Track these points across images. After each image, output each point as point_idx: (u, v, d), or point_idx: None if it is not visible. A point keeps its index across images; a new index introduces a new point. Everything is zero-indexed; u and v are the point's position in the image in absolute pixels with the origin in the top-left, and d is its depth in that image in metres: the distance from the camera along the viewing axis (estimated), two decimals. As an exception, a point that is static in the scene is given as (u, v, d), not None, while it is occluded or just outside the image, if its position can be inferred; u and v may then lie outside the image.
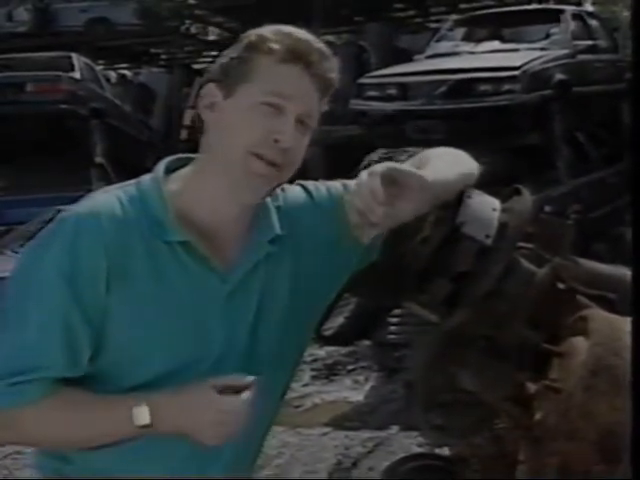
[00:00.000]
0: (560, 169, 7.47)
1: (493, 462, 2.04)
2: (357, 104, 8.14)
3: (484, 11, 11.89)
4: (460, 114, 7.29)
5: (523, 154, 7.11)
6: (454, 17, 11.25)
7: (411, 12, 17.29)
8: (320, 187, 1.60)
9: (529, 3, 12.97)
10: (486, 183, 1.65)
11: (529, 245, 1.71)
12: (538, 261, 1.69)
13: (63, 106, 11.72)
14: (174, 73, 16.90)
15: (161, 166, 1.49)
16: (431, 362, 1.70)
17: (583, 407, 1.49)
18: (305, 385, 6.13)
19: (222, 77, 1.44)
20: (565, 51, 8.38)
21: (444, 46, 8.96)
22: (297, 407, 5.68)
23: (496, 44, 8.69)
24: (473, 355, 1.67)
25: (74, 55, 12.81)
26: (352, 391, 6.06)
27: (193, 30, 19.32)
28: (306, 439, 5.11)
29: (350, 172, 1.72)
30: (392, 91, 7.87)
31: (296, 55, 1.42)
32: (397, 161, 1.76)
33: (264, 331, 1.48)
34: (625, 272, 1.77)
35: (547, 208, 5.87)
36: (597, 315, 1.63)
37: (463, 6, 15.62)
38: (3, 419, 1.41)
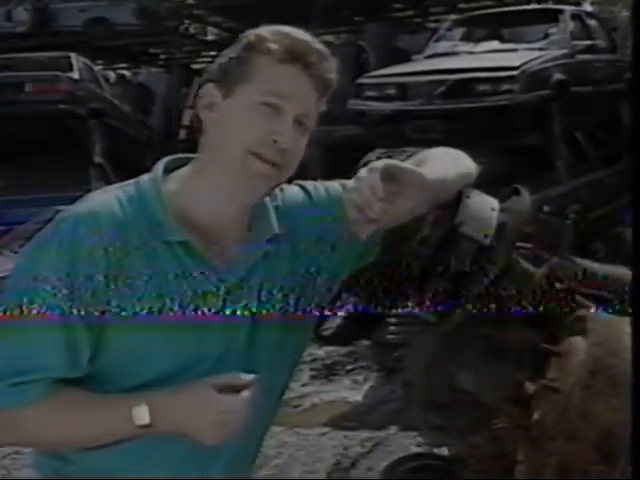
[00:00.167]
0: (559, 169, 7.47)
1: (492, 462, 2.04)
2: (356, 104, 8.14)
3: (483, 11, 11.90)
4: (459, 114, 7.29)
5: (522, 154, 7.11)
6: (453, 17, 11.25)
7: (410, 12, 17.29)
8: (318, 187, 1.61)
9: (528, 3, 12.96)
10: (485, 183, 1.65)
11: (528, 245, 1.71)
12: (536, 261, 1.69)
13: (62, 106, 11.71)
14: (173, 73, 16.90)
15: (160, 166, 1.49)
16: (430, 362, 1.71)
17: (581, 407, 1.49)
18: (304, 385, 6.13)
19: (221, 77, 1.44)
20: (564, 51, 8.38)
21: (443, 46, 8.96)
22: (296, 407, 5.68)
23: (495, 44, 8.68)
24: (472, 355, 1.67)
25: (73, 55, 12.80)
26: (351, 391, 6.05)
27: (192, 30, 19.32)
28: (305, 439, 5.11)
29: (349, 172, 1.72)
30: (391, 91, 7.87)
31: (294, 55, 1.42)
32: (396, 161, 1.76)
33: (263, 331, 1.48)
34: (623, 272, 1.77)
35: (546, 208, 5.88)
36: (595, 315, 1.63)
37: (462, 6, 15.63)
38: (3, 420, 1.40)
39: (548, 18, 9.10)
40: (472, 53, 8.49)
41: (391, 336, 5.83)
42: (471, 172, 1.62)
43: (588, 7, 13.87)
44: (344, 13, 15.87)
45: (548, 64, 7.90)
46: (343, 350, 6.64)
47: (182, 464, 1.48)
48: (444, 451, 3.07)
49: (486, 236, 1.58)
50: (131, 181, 1.49)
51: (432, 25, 15.21)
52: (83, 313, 1.38)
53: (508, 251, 1.61)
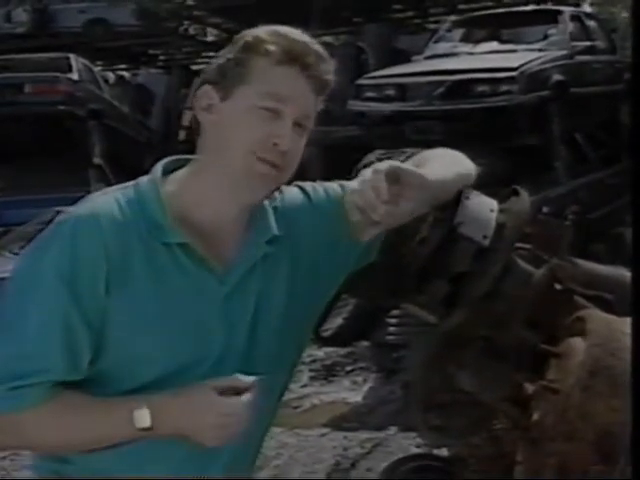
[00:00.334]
0: (558, 170, 7.47)
1: (491, 462, 2.04)
2: (355, 105, 8.14)
3: (482, 12, 11.90)
4: (458, 115, 7.30)
5: (521, 155, 7.11)
6: (452, 18, 11.25)
7: (409, 13, 17.30)
8: (318, 188, 1.61)
9: (527, 4, 12.97)
10: (484, 184, 1.65)
11: (527, 246, 1.71)
12: (536, 262, 1.69)
13: (61, 107, 11.72)
14: (172, 74, 16.90)
15: (158, 168, 1.49)
16: (429, 363, 1.70)
17: (581, 408, 1.49)
18: (303, 386, 6.13)
19: (218, 79, 1.44)
20: (563, 52, 8.39)
21: (442, 47, 8.97)
22: (295, 408, 5.68)
23: (494, 45, 8.69)
24: (471, 356, 1.67)
25: (72, 56, 12.81)
26: (350, 392, 6.05)
27: (191, 31, 19.32)
28: (304, 440, 5.11)
29: (349, 173, 1.72)
30: (390, 92, 7.87)
31: (292, 57, 1.42)
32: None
33: (262, 332, 1.48)
34: (623, 273, 1.77)
35: (545, 209, 5.88)
36: (595, 316, 1.63)
37: (461, 7, 15.64)
38: (3, 423, 1.40)
39: (547, 19, 9.10)
40: (471, 54, 8.50)
41: (390, 337, 5.84)
42: (470, 173, 1.62)
43: (587, 8, 13.89)
44: (343, 14, 15.88)
45: (547, 65, 7.91)
46: (343, 351, 6.64)
47: (182, 464, 1.48)
48: (444, 452, 3.08)
49: (485, 237, 1.58)
50: (130, 183, 1.49)
51: (431, 26, 15.22)
52: (83, 315, 1.38)
53: (507, 252, 1.61)
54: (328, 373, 6.45)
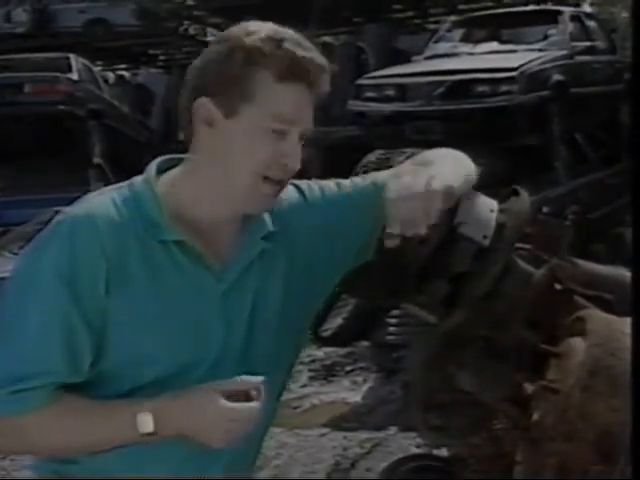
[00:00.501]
0: (558, 170, 7.47)
1: (491, 462, 2.04)
2: (355, 105, 8.14)
3: (482, 12, 11.90)
4: (458, 115, 7.30)
5: (521, 155, 7.11)
6: (452, 18, 11.25)
7: (409, 13, 17.31)
8: (313, 186, 1.61)
9: (527, 4, 12.97)
10: (484, 184, 1.65)
11: (527, 246, 1.71)
12: (536, 262, 1.69)
13: (61, 107, 11.72)
14: (172, 74, 16.90)
15: (152, 167, 1.49)
16: (429, 363, 1.70)
17: (581, 408, 1.49)
18: (303, 386, 6.13)
19: (218, 92, 1.40)
20: (563, 52, 8.39)
21: (442, 47, 8.97)
22: (295, 408, 5.68)
23: (494, 45, 8.69)
24: (471, 356, 1.67)
25: (72, 56, 12.81)
26: (350, 392, 6.05)
27: (191, 31, 19.33)
28: (304, 440, 5.11)
29: (349, 173, 1.72)
30: (390, 92, 7.88)
31: (297, 73, 1.40)
32: (395, 162, 1.76)
33: (260, 330, 1.48)
34: (623, 273, 1.77)
35: (545, 209, 5.88)
36: (595, 316, 1.63)
37: (461, 7, 15.64)
38: (4, 427, 1.39)
39: (547, 19, 9.11)
40: (471, 54, 8.50)
41: (390, 337, 5.84)
42: (472, 174, 1.62)
43: (587, 8, 13.89)
44: (344, 14, 15.88)
45: (547, 65, 7.91)
46: (342, 351, 6.64)
47: (182, 464, 1.47)
48: (443, 452, 3.08)
49: (485, 237, 1.58)
50: (124, 183, 1.49)
51: (431, 26, 15.23)
52: (83, 315, 1.38)
53: (507, 252, 1.61)
54: (328, 373, 6.45)
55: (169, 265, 1.42)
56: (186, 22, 18.34)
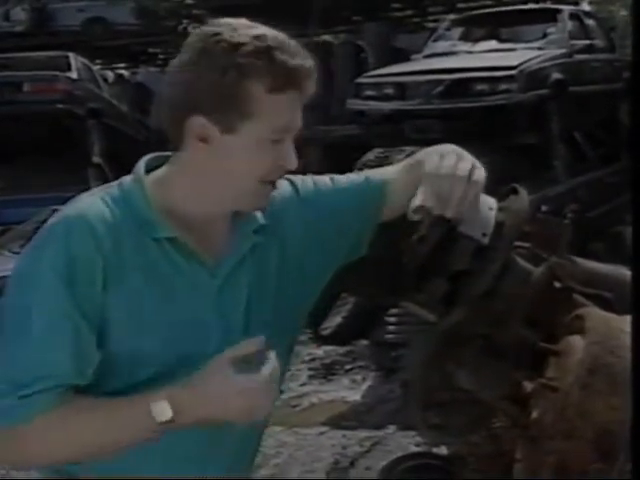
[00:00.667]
0: (557, 168, 7.48)
1: (490, 460, 2.04)
2: (355, 104, 8.15)
3: (481, 11, 11.91)
4: (457, 113, 7.30)
5: (520, 153, 7.12)
6: (451, 17, 11.27)
7: (409, 12, 17.32)
8: (307, 181, 1.62)
9: (526, 3, 12.97)
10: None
11: (526, 244, 1.71)
12: (535, 260, 1.69)
13: (60, 106, 11.71)
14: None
15: (141, 165, 1.49)
16: (428, 361, 1.70)
17: (580, 406, 1.49)
18: (302, 385, 6.14)
19: (213, 110, 1.39)
20: (562, 50, 8.40)
21: (441, 46, 8.97)
22: (294, 407, 5.69)
23: (493, 44, 8.70)
24: (470, 354, 1.67)
25: (71, 55, 12.80)
26: (349, 390, 6.06)
27: (191, 30, 19.29)
28: (303, 439, 5.12)
29: (348, 171, 1.72)
30: (390, 91, 7.88)
31: (290, 82, 1.40)
32: (394, 160, 1.76)
33: (256, 325, 1.48)
34: (622, 271, 1.77)
35: (544, 207, 5.88)
36: (594, 314, 1.63)
37: (460, 6, 15.64)
38: (12, 436, 1.36)
39: (546, 18, 9.12)
40: (470, 53, 8.51)
41: (390, 335, 5.85)
42: None
43: (586, 7, 13.87)
44: (343, 13, 15.89)
45: (546, 64, 7.92)
46: (342, 350, 6.65)
47: (182, 464, 1.47)
48: (443, 450, 3.08)
49: (484, 235, 1.58)
50: (114, 183, 1.49)
51: (431, 25, 15.25)
52: (84, 314, 1.37)
53: (506, 250, 1.61)
54: (327, 372, 6.45)
55: (163, 262, 1.42)
56: (185, 21, 18.32)
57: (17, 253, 7.88)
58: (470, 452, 2.20)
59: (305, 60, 1.41)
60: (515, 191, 1.70)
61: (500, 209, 1.62)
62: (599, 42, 9.52)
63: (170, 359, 1.42)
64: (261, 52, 1.38)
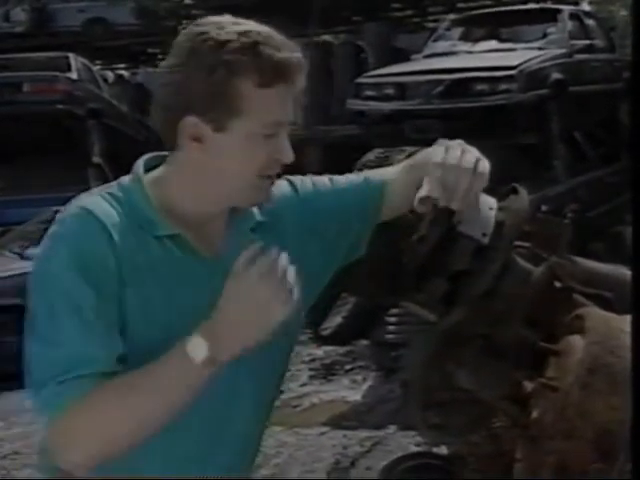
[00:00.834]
0: (557, 168, 7.48)
1: (490, 460, 2.04)
2: (355, 104, 8.16)
3: (481, 11, 11.91)
4: (457, 113, 7.31)
5: (520, 153, 7.12)
6: (451, 17, 11.27)
7: (409, 12, 17.32)
8: (306, 181, 1.62)
9: (526, 3, 12.97)
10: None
11: (526, 244, 1.71)
12: (535, 260, 1.69)
13: (60, 106, 11.72)
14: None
15: (140, 164, 1.50)
16: (428, 361, 1.71)
17: (580, 405, 1.49)
18: (303, 385, 6.14)
19: (204, 109, 1.39)
20: (562, 50, 8.40)
21: (441, 46, 8.98)
22: (295, 407, 5.69)
23: (493, 44, 8.71)
24: (470, 354, 1.67)
25: (71, 55, 12.81)
26: (350, 391, 6.06)
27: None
28: (304, 439, 5.12)
29: (348, 171, 1.73)
30: (390, 91, 7.89)
31: (278, 76, 1.39)
32: (394, 160, 1.76)
33: None
34: (622, 271, 1.77)
35: (544, 207, 5.88)
36: (594, 313, 1.63)
37: (460, 6, 15.64)
38: (61, 427, 1.34)
39: (546, 18, 9.12)
40: (470, 53, 8.51)
41: (390, 335, 5.85)
42: None
43: (586, 7, 13.89)
44: (343, 13, 15.89)
45: (546, 63, 7.92)
46: (342, 350, 6.65)
47: (182, 464, 1.47)
48: (443, 450, 3.08)
49: (484, 235, 1.58)
50: (112, 183, 1.49)
51: (431, 25, 15.25)
52: (108, 304, 1.37)
53: (506, 250, 1.61)
54: (327, 372, 6.46)
55: (165, 259, 1.42)
56: (185, 21, 18.33)
57: (17, 253, 7.89)
58: (470, 452, 2.20)
59: (292, 53, 1.41)
60: (515, 191, 1.70)
61: (500, 209, 1.62)
62: (599, 42, 9.53)
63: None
64: (247, 48, 1.38)
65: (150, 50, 20.35)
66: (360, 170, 1.76)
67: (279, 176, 1.52)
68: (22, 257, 7.73)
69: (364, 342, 6.38)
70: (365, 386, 6.11)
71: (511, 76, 7.37)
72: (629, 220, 1.66)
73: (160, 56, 20.28)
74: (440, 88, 7.48)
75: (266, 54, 1.38)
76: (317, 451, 4.93)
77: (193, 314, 1.41)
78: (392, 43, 13.17)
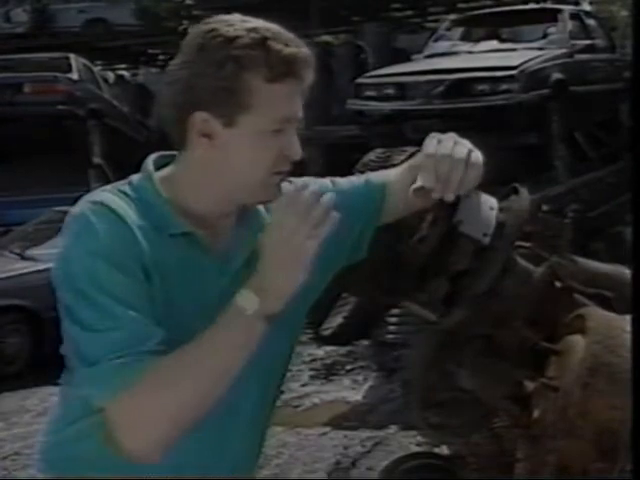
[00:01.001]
0: (558, 168, 7.49)
1: (491, 460, 2.04)
2: (355, 104, 8.15)
3: (482, 11, 11.91)
4: (458, 114, 7.30)
5: (521, 153, 7.12)
6: (452, 17, 11.26)
7: (409, 12, 17.30)
8: (308, 183, 1.62)
9: (527, 3, 12.98)
10: (484, 182, 1.65)
11: (527, 244, 1.71)
12: (536, 260, 1.69)
13: (61, 107, 11.72)
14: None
15: (150, 163, 1.49)
16: (429, 361, 1.71)
17: (580, 405, 1.50)
18: (304, 385, 6.14)
19: (213, 104, 1.39)
20: (563, 50, 8.40)
21: (442, 46, 8.98)
22: (296, 407, 5.69)
23: (494, 44, 8.71)
24: (471, 354, 1.67)
25: (72, 56, 12.81)
26: (351, 391, 6.06)
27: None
28: (305, 439, 5.12)
29: (348, 172, 1.73)
30: (390, 91, 7.89)
31: (286, 71, 1.40)
32: (395, 160, 1.76)
33: None
34: (622, 271, 1.78)
35: (545, 207, 5.88)
36: (594, 313, 1.63)
37: (461, 6, 15.64)
38: (124, 406, 1.32)
39: (547, 18, 9.12)
40: (471, 53, 8.51)
41: (391, 335, 5.85)
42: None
43: (587, 7, 13.88)
44: (343, 13, 15.88)
45: (547, 64, 7.92)
46: (343, 350, 6.65)
47: (192, 464, 1.47)
48: (444, 450, 3.08)
49: (485, 235, 1.58)
50: (122, 182, 1.49)
51: (431, 25, 15.24)
52: (142, 289, 1.37)
53: (507, 250, 1.61)
54: (328, 372, 6.45)
55: (179, 257, 1.42)
56: (185, 21, 18.34)
57: (18, 254, 7.89)
58: (471, 452, 2.20)
59: (301, 49, 1.42)
60: (516, 191, 1.70)
61: (501, 209, 1.62)
62: (600, 42, 9.52)
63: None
64: (257, 43, 1.39)
65: (151, 51, 20.34)
66: (361, 170, 1.76)
67: (290, 174, 1.53)
68: (22, 258, 7.74)
69: (365, 342, 6.39)
70: (366, 386, 6.11)
71: (512, 76, 7.37)
72: (629, 220, 1.66)
73: (161, 57, 20.31)
74: (440, 88, 7.48)
75: (275, 49, 1.39)
76: (318, 451, 4.93)
77: (202, 314, 1.41)
78: (392, 43, 13.19)
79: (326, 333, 5.55)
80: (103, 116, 12.48)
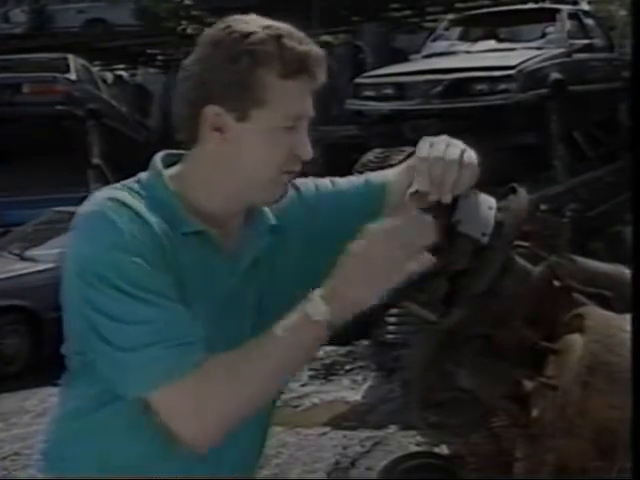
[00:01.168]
0: (556, 168, 7.49)
1: (490, 460, 2.04)
2: (354, 104, 8.16)
3: (480, 10, 11.92)
4: (456, 113, 7.31)
5: (519, 153, 7.13)
6: (450, 17, 11.28)
7: (407, 12, 17.32)
8: (308, 183, 1.63)
9: (525, 2, 12.99)
10: (482, 182, 1.66)
11: (525, 244, 1.71)
12: (534, 259, 1.70)
13: (59, 107, 11.72)
14: (171, 74, 16.92)
15: (158, 162, 1.49)
16: (428, 360, 1.71)
17: (579, 404, 1.50)
18: (303, 385, 6.14)
19: (227, 99, 1.40)
20: (561, 50, 8.41)
21: (440, 46, 8.98)
22: (295, 407, 5.70)
23: (492, 43, 8.71)
24: (470, 353, 1.67)
25: (70, 56, 12.82)
26: (350, 391, 6.07)
27: (190, 31, 19.31)
28: (304, 439, 5.12)
29: (347, 171, 1.73)
30: (388, 91, 7.89)
31: (300, 68, 1.41)
32: (394, 160, 1.77)
33: (263, 325, 1.48)
34: (621, 270, 1.78)
35: (543, 207, 5.89)
36: (593, 312, 1.64)
37: (459, 6, 15.65)
38: (186, 389, 1.32)
39: (545, 17, 9.13)
40: (469, 52, 8.52)
41: (390, 335, 5.85)
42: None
43: (585, 6, 13.89)
44: (342, 13, 15.89)
45: (545, 63, 7.93)
46: (342, 350, 6.66)
47: (197, 464, 1.47)
48: (443, 449, 3.08)
49: (484, 235, 1.58)
50: (131, 180, 1.48)
51: (429, 25, 15.24)
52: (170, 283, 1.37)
53: (506, 250, 1.61)
54: (328, 372, 6.46)
55: (191, 256, 1.42)
56: (184, 22, 18.34)
57: (17, 255, 7.90)
58: (470, 451, 2.20)
59: (312, 46, 1.44)
60: (514, 190, 1.70)
61: (499, 209, 1.63)
62: (598, 41, 9.53)
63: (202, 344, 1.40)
64: (271, 39, 1.40)
65: (149, 51, 20.32)
66: (359, 170, 1.76)
67: (301, 175, 1.53)
68: (22, 258, 7.75)
69: (364, 342, 6.39)
70: (365, 386, 6.12)
71: (510, 76, 7.38)
72: (628, 219, 1.66)
73: (160, 57, 20.30)
74: (439, 88, 7.48)
75: (289, 46, 1.40)
76: (318, 451, 4.93)
77: (208, 314, 1.41)
78: (391, 43, 13.21)
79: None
80: (102, 116, 12.48)
